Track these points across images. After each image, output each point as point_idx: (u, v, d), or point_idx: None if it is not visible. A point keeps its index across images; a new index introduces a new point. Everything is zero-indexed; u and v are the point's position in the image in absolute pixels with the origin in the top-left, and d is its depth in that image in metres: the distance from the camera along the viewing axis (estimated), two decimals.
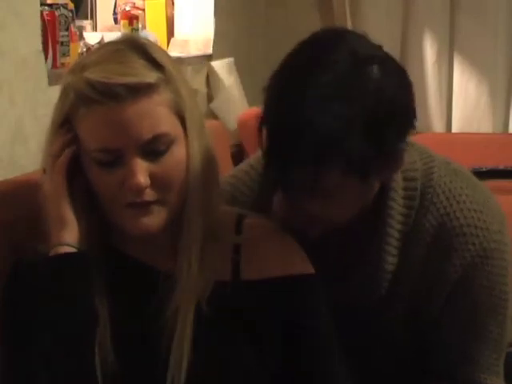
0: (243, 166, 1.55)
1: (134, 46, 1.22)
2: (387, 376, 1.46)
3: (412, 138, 1.34)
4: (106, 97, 1.17)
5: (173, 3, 3.35)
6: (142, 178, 1.19)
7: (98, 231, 1.26)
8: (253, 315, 1.26)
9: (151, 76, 1.20)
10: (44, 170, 1.26)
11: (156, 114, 1.20)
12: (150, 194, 1.21)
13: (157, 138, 1.20)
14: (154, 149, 1.20)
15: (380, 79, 1.24)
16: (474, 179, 1.46)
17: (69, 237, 1.23)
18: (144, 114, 1.18)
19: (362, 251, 1.41)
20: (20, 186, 1.41)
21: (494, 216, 1.40)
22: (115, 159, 1.20)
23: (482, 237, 1.37)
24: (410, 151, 1.41)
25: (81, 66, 1.21)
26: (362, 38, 1.30)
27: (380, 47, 1.30)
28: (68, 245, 1.23)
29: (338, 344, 1.29)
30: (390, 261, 1.38)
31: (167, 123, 1.21)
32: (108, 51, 1.23)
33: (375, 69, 1.25)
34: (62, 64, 2.17)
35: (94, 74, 1.18)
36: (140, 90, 1.18)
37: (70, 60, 2.20)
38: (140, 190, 1.20)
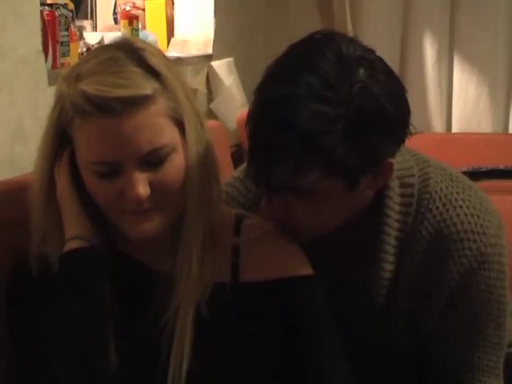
0: (238, 173, 1.54)
1: (130, 53, 1.20)
2: (388, 376, 1.46)
3: (412, 139, 1.34)
4: (102, 111, 1.15)
5: (173, 3, 3.35)
6: (142, 189, 1.19)
7: (99, 232, 1.26)
8: (252, 316, 1.26)
9: (147, 87, 1.18)
10: (36, 173, 1.27)
11: (154, 126, 1.18)
12: (149, 202, 1.20)
13: (156, 151, 1.19)
14: (153, 160, 1.19)
15: (365, 82, 1.23)
16: (470, 183, 1.45)
17: (78, 230, 1.23)
18: (142, 127, 1.17)
19: (360, 258, 1.40)
20: (20, 186, 1.40)
21: (491, 220, 1.40)
22: (113, 171, 1.19)
23: (479, 242, 1.37)
24: (406, 157, 1.41)
25: (75, 75, 1.20)
26: (351, 42, 1.28)
27: (371, 50, 1.28)
28: (79, 238, 1.23)
29: (338, 344, 1.29)
30: (388, 268, 1.38)
31: (166, 134, 1.20)
32: (103, 59, 1.20)
33: (361, 72, 1.23)
34: (62, 64, 2.17)
35: (88, 86, 1.16)
36: (136, 103, 1.16)
37: (70, 60, 2.20)
38: (140, 201, 1.20)
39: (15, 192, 1.39)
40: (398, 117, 1.27)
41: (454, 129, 3.86)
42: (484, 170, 3.09)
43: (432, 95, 3.81)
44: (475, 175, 2.75)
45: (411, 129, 1.31)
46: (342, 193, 1.27)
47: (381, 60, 1.28)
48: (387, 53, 3.54)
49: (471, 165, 2.98)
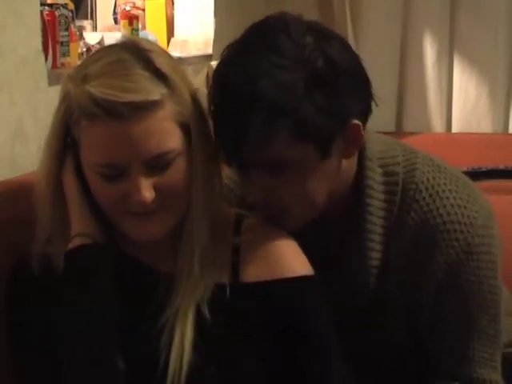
0: None
1: (136, 54, 1.20)
2: (386, 374, 1.46)
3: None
4: (110, 115, 1.15)
5: (173, 3, 3.34)
6: (148, 193, 1.19)
7: (102, 231, 1.26)
8: (252, 317, 1.26)
9: (156, 92, 1.18)
10: (41, 173, 1.26)
11: (162, 131, 1.19)
12: (154, 204, 1.20)
13: (163, 155, 1.19)
14: (159, 164, 1.20)
15: (316, 44, 1.28)
16: (459, 174, 1.46)
17: (83, 228, 1.24)
18: (150, 131, 1.17)
19: (347, 248, 1.41)
20: (20, 186, 1.41)
21: (479, 211, 1.40)
22: (118, 173, 1.19)
23: (466, 232, 1.37)
24: (393, 146, 1.42)
25: (82, 76, 1.19)
26: (298, 19, 1.34)
27: (317, 23, 1.34)
28: (84, 235, 1.23)
29: (337, 344, 1.29)
30: (375, 256, 1.38)
31: (173, 138, 1.20)
32: (110, 61, 1.20)
33: (309, 37, 1.28)
34: (62, 64, 2.17)
35: (96, 89, 1.16)
36: (145, 108, 1.17)
37: (70, 60, 2.20)
38: (146, 205, 1.20)
39: (15, 192, 1.39)
40: (355, 72, 1.31)
41: (454, 129, 3.85)
42: (484, 170, 3.09)
43: (432, 95, 3.81)
44: (475, 175, 2.74)
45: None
46: (315, 162, 1.29)
47: (329, 29, 1.35)
48: (387, 53, 3.57)
49: (471, 165, 2.98)
